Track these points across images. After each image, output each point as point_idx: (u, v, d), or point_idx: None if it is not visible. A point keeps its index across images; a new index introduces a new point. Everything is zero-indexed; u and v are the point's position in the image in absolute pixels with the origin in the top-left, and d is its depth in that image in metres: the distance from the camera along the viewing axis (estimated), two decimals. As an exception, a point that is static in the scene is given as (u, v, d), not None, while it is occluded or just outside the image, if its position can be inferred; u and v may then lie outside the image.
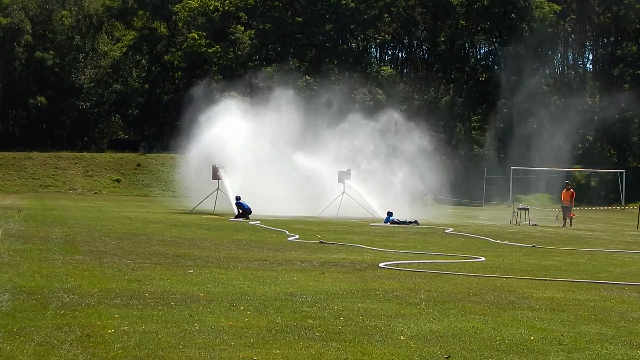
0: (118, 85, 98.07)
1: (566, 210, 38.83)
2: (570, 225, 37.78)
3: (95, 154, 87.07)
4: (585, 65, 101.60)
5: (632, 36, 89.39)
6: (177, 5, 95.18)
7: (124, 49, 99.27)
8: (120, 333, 8.91)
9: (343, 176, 43.94)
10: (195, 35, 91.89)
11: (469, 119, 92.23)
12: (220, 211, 41.33)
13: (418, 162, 47.82)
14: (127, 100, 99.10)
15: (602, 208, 68.16)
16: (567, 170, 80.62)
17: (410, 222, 35.98)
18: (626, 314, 11.37)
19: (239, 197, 37.99)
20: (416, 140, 49.03)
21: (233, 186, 42.58)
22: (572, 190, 39.96)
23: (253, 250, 19.94)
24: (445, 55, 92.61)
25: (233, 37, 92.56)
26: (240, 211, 37.23)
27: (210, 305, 10.99)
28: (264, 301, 11.43)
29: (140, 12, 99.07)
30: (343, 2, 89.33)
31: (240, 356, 8.02)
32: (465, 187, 63.55)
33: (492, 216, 48.66)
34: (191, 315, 10.10)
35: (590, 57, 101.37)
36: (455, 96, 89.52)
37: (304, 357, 8.08)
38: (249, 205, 37.39)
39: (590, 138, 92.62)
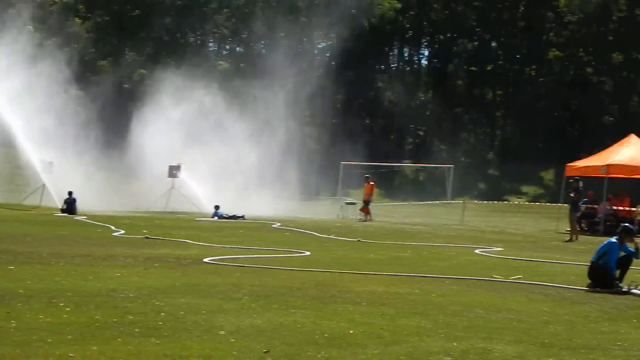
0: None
1: (367, 204, 39.63)
2: (366, 220, 38.58)
3: None
4: (420, 61, 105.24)
5: (465, 34, 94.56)
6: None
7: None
8: None
9: (173, 170, 43.28)
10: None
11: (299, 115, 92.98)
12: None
13: (251, 156, 47.90)
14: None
15: (428, 203, 69.95)
16: (398, 165, 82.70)
17: (237, 217, 36.10)
18: (445, 307, 11.73)
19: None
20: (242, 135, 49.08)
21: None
22: (372, 183, 40.98)
23: (77, 245, 19.53)
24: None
25: (70, 30, 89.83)
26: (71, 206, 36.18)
27: (30, 301, 10.74)
28: (84, 297, 11.26)
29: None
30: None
31: (57, 353, 7.90)
32: (298, 182, 64.03)
33: (321, 211, 49.23)
34: (8, 312, 9.85)
35: (426, 52, 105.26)
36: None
37: (121, 353, 8.03)
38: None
39: (422, 133, 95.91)
